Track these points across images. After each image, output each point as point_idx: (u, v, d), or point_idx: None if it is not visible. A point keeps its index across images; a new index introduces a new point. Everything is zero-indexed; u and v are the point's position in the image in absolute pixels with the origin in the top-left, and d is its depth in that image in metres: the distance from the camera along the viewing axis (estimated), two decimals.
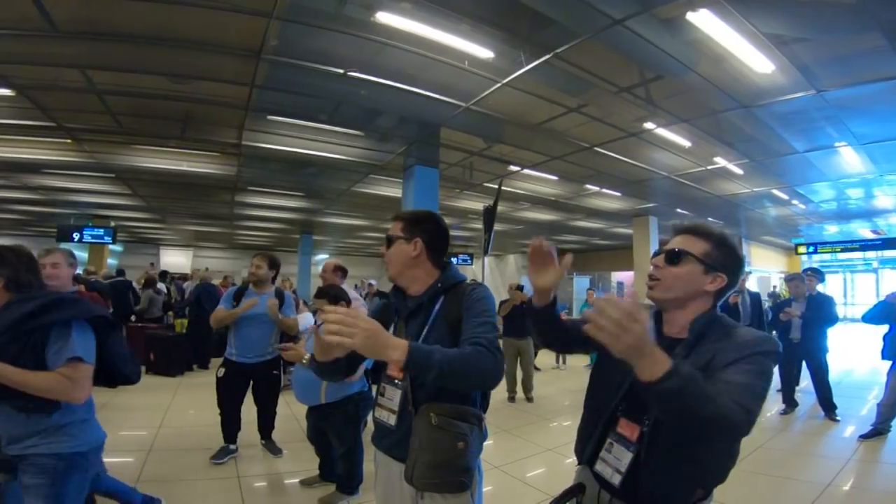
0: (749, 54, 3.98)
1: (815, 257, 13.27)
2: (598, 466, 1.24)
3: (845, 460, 3.73)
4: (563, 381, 7.66)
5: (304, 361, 2.69)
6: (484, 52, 4.19)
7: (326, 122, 6.23)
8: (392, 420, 1.43)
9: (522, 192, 9.69)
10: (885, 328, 4.44)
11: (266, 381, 3.84)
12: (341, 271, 4.18)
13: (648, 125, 6.04)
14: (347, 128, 6.47)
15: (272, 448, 3.92)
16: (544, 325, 1.35)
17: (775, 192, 9.57)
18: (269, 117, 6.10)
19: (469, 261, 17.12)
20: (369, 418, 1.79)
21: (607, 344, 0.91)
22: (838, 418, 4.91)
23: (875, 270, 15.62)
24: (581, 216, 12.47)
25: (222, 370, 3.73)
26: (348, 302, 3.07)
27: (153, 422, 4.43)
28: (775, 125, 5.74)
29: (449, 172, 8.29)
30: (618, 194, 9.98)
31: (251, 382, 3.79)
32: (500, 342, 2.31)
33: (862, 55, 3.96)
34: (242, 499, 3.03)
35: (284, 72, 4.68)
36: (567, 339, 1.38)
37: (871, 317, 4.61)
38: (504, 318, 6.22)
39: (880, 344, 4.47)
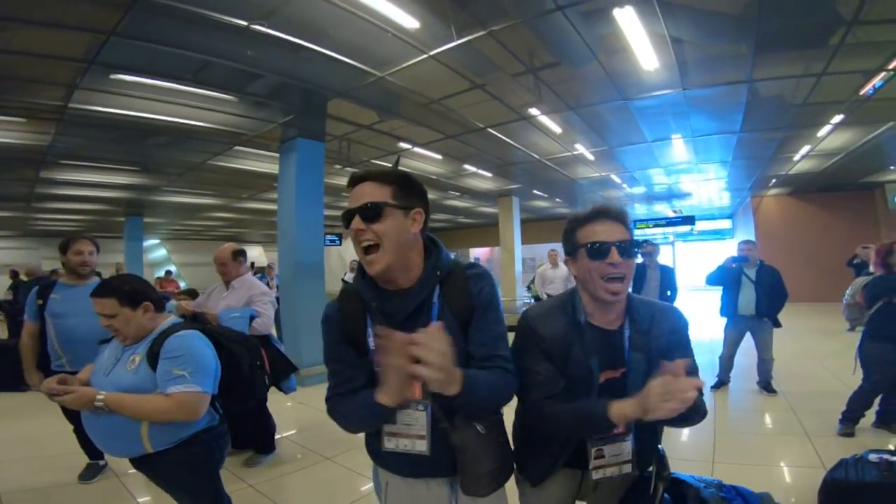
0: (646, 51, 4.40)
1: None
2: (597, 474, 1.30)
3: (713, 409, 4.35)
4: None
5: (99, 403, 1.65)
6: (410, 21, 3.90)
7: (192, 83, 5.18)
8: (423, 446, 1.21)
9: (408, 170, 9.51)
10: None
11: None
12: (243, 256, 3.59)
13: (533, 111, 6.37)
14: (218, 90, 5.47)
15: None
16: None
17: (613, 176, 11.07)
18: (114, 76, 4.83)
19: (337, 241, 16.30)
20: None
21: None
22: None
23: (672, 243, 19.45)
24: (455, 195, 12.83)
25: None
26: (155, 302, 1.86)
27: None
28: (638, 116, 6.59)
29: (329, 146, 7.67)
30: (489, 175, 10.46)
31: None
32: None
33: (725, 59, 4.67)
34: None
35: (160, 21, 3.74)
36: None
37: (711, 278, 5.24)
38: None
39: (718, 304, 5.16)
